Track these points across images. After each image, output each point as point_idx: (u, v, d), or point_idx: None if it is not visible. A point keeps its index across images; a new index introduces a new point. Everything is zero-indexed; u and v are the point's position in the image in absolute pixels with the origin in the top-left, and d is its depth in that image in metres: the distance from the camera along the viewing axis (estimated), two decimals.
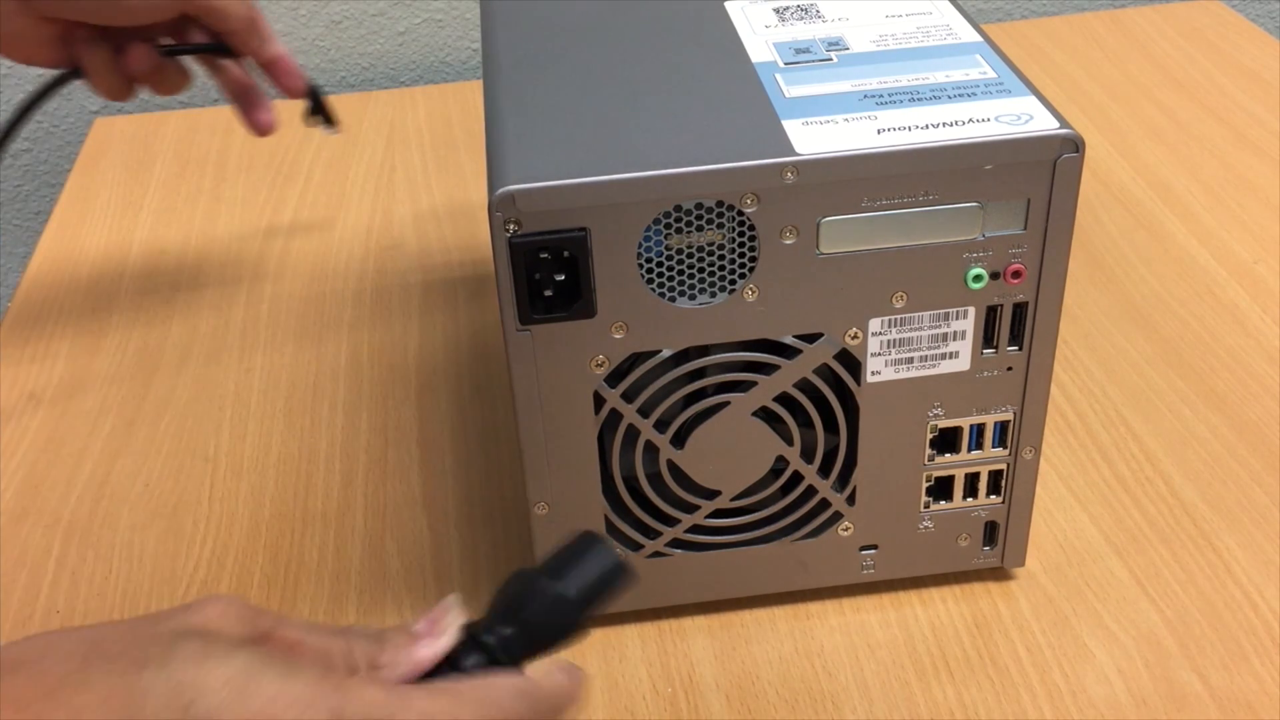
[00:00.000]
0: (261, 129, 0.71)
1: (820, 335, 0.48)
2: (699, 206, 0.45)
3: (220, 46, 0.66)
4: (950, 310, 0.48)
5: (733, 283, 0.47)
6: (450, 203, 0.87)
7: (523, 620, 0.37)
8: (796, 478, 0.52)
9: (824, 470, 0.52)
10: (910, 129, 0.45)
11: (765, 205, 0.45)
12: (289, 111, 0.99)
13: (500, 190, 0.43)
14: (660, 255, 0.46)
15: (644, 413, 0.49)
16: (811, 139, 0.45)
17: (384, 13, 1.06)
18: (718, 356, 0.48)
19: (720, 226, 0.45)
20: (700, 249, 0.46)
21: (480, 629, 0.37)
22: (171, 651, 0.33)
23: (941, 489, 0.53)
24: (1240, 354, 0.69)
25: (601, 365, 0.48)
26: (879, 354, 0.49)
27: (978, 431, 0.52)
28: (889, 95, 0.47)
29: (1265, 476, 0.61)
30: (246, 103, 0.71)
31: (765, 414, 0.50)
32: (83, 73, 0.64)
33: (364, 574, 0.59)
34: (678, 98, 0.48)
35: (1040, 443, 0.52)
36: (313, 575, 0.59)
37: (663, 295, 0.47)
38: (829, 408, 0.50)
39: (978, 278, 0.47)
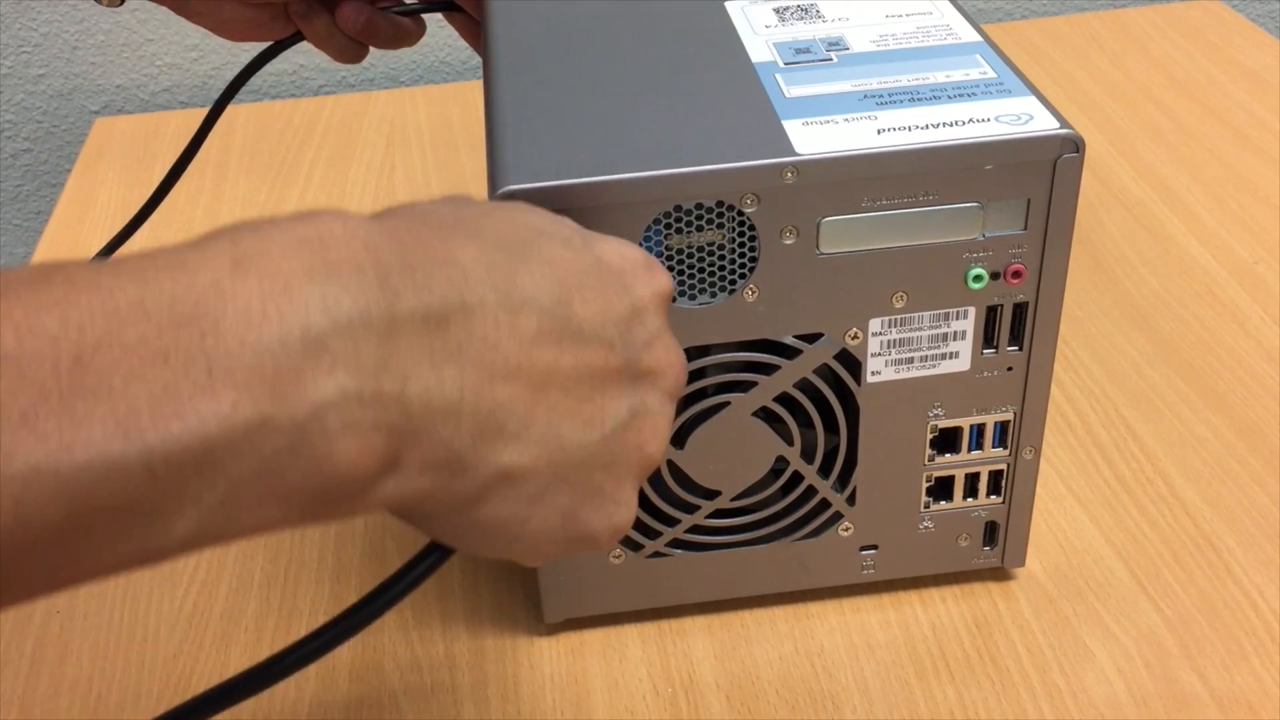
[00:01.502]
0: None
1: (820, 335, 0.48)
2: (699, 206, 0.45)
3: (448, 4, 0.64)
4: (950, 310, 0.48)
5: (733, 283, 0.47)
6: None
7: None
8: (797, 478, 0.52)
9: (824, 470, 0.52)
10: (910, 129, 0.45)
11: (765, 205, 0.45)
12: (292, 113, 1.00)
13: (500, 190, 0.43)
14: (660, 255, 0.46)
15: None
16: (811, 139, 0.45)
17: None
18: (718, 356, 0.48)
19: (720, 226, 0.45)
20: (700, 249, 0.46)
21: None
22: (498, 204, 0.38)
23: (941, 489, 0.53)
24: (1240, 354, 0.69)
25: None
26: (879, 354, 0.49)
27: (978, 431, 0.52)
28: (889, 95, 0.47)
29: (1265, 476, 0.61)
30: None
31: (765, 414, 0.50)
32: (305, 38, 0.62)
33: (364, 574, 0.59)
34: (678, 98, 0.48)
35: (1040, 443, 0.52)
36: (313, 575, 0.59)
37: None
38: (829, 408, 0.50)
39: (978, 278, 0.47)
